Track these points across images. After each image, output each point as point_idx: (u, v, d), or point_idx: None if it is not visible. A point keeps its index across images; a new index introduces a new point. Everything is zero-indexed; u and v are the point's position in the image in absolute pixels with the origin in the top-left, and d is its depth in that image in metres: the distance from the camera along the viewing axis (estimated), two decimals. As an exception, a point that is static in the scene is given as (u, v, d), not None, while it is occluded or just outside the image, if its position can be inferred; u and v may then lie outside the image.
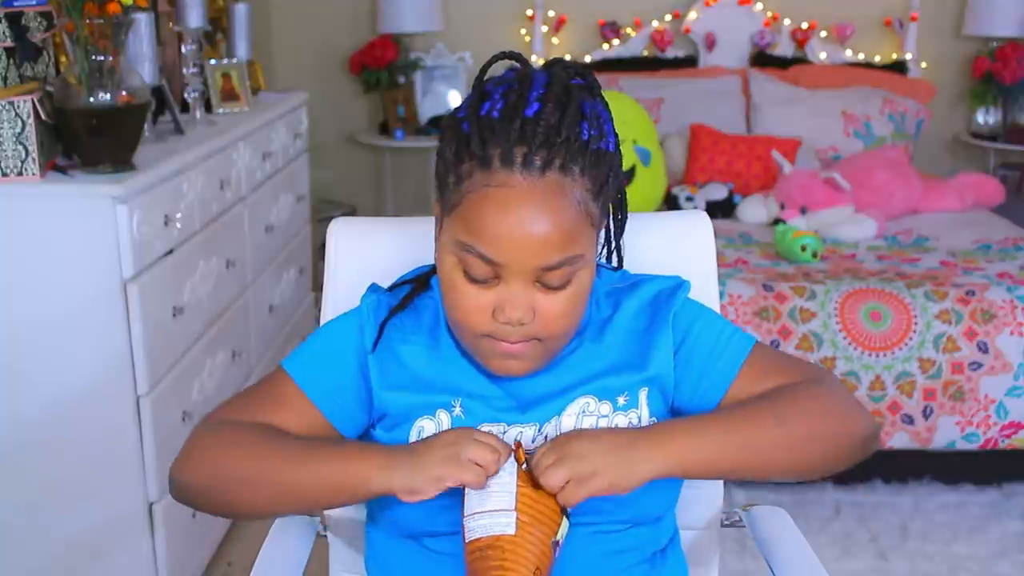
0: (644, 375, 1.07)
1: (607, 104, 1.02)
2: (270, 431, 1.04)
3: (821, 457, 1.04)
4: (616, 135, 1.00)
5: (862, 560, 2.40)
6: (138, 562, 1.99)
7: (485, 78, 1.02)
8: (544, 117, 0.93)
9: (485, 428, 1.03)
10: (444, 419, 1.04)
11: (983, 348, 2.52)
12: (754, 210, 3.34)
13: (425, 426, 1.04)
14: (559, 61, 1.02)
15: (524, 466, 0.96)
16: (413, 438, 1.04)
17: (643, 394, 1.06)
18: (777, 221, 3.18)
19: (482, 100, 0.96)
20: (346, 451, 1.00)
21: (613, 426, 1.04)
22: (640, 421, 1.05)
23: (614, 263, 1.14)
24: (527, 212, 0.92)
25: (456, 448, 0.93)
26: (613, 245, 1.12)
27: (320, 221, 3.95)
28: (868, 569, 2.37)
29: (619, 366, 1.07)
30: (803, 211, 3.21)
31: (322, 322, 1.28)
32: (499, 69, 1.03)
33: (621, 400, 1.05)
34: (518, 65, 1.02)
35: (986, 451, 2.62)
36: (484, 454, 0.93)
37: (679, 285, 1.12)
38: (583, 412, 1.04)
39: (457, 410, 1.04)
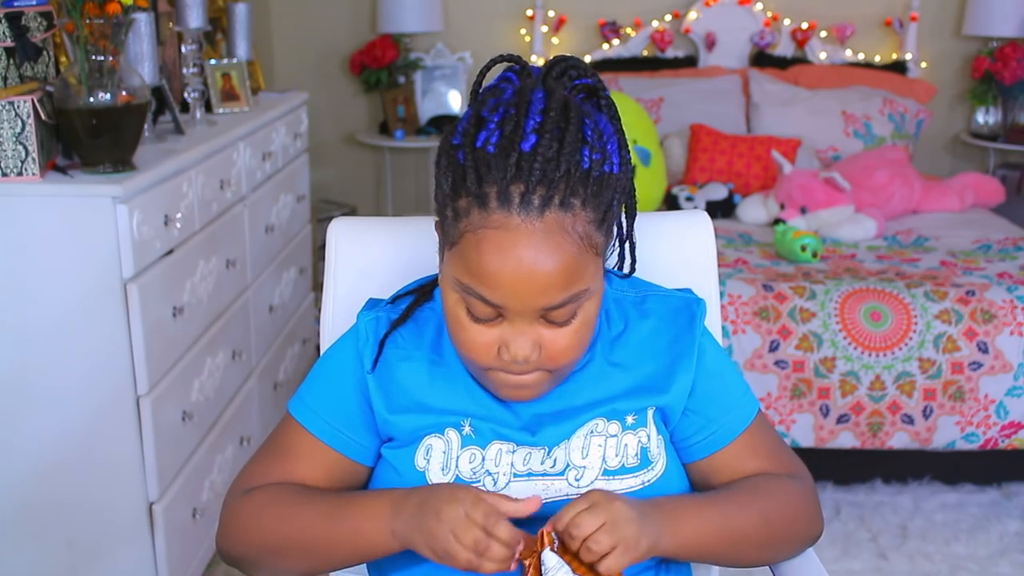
0: (657, 400, 1.06)
1: (613, 106, 0.99)
2: (296, 496, 1.03)
3: (783, 554, 1.09)
4: (622, 146, 0.96)
5: (862, 560, 2.40)
6: (138, 562, 1.99)
7: (484, 84, 1.00)
8: (541, 151, 0.88)
9: (495, 445, 1.02)
10: (453, 437, 1.03)
11: (983, 348, 2.52)
12: (754, 210, 3.34)
13: (433, 444, 1.03)
14: (561, 62, 0.98)
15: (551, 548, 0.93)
16: (420, 456, 1.03)
17: (651, 413, 1.05)
18: (777, 221, 3.19)
19: (478, 128, 0.91)
20: (361, 519, 0.98)
21: (623, 445, 1.03)
22: (649, 440, 1.04)
23: (626, 269, 1.10)
24: (527, 255, 0.89)
25: (470, 535, 0.89)
26: (625, 252, 1.08)
27: (320, 221, 3.95)
28: (868, 569, 2.37)
29: (632, 390, 1.06)
30: (803, 211, 3.21)
31: (322, 323, 1.28)
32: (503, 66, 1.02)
33: (630, 419, 1.04)
34: (517, 66, 0.99)
35: (986, 451, 2.62)
36: (499, 552, 0.90)
37: (697, 306, 1.10)
38: (592, 432, 1.03)
39: (467, 429, 1.03)
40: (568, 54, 1.12)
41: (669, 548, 0.97)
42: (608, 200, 0.93)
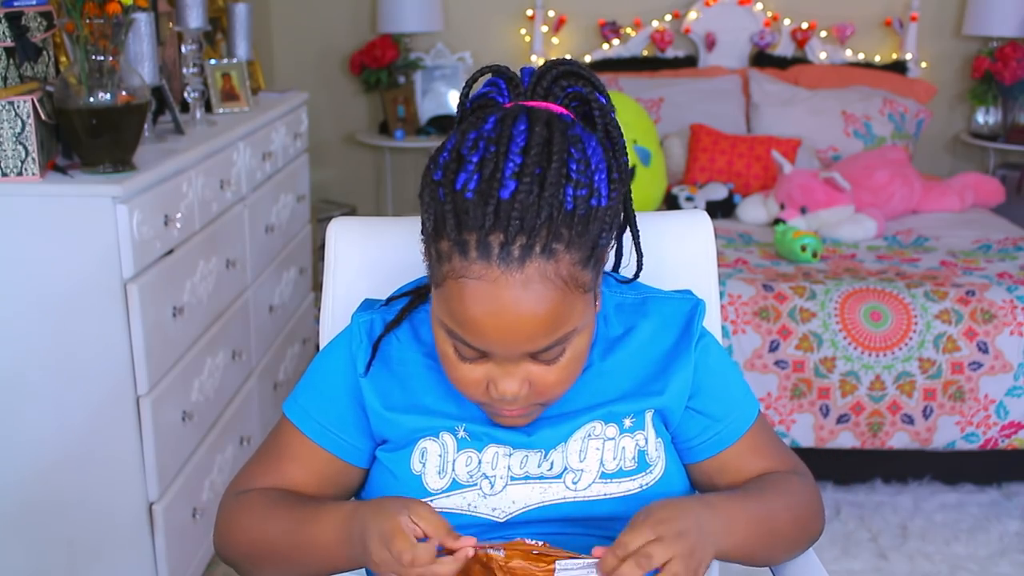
0: (654, 403, 1.05)
1: (607, 116, 0.96)
2: (276, 502, 1.03)
3: (798, 551, 1.10)
4: (612, 170, 0.93)
5: (862, 560, 2.40)
6: (138, 562, 1.99)
7: (472, 95, 0.99)
8: (520, 198, 0.85)
9: (492, 448, 1.02)
10: (448, 441, 1.03)
11: (983, 348, 2.52)
12: (754, 210, 3.34)
13: (428, 447, 1.03)
14: (552, 69, 0.96)
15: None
16: (416, 459, 1.03)
17: (649, 415, 1.05)
18: (777, 221, 3.19)
19: (458, 167, 0.88)
20: (324, 526, 0.98)
21: (620, 448, 1.03)
22: (647, 443, 1.04)
23: (630, 274, 1.10)
24: (509, 305, 0.87)
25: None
26: (623, 251, 1.08)
27: (320, 221, 3.95)
28: (868, 569, 2.37)
29: (630, 393, 1.05)
30: (803, 211, 3.21)
31: (321, 323, 1.28)
32: (505, 59, 1.00)
33: (627, 422, 1.04)
34: (506, 73, 0.98)
35: (986, 451, 2.62)
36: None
37: (696, 308, 1.09)
38: (589, 436, 1.03)
39: (462, 433, 1.03)
40: (563, 57, 1.10)
41: (721, 551, 0.97)
42: (595, 235, 0.90)
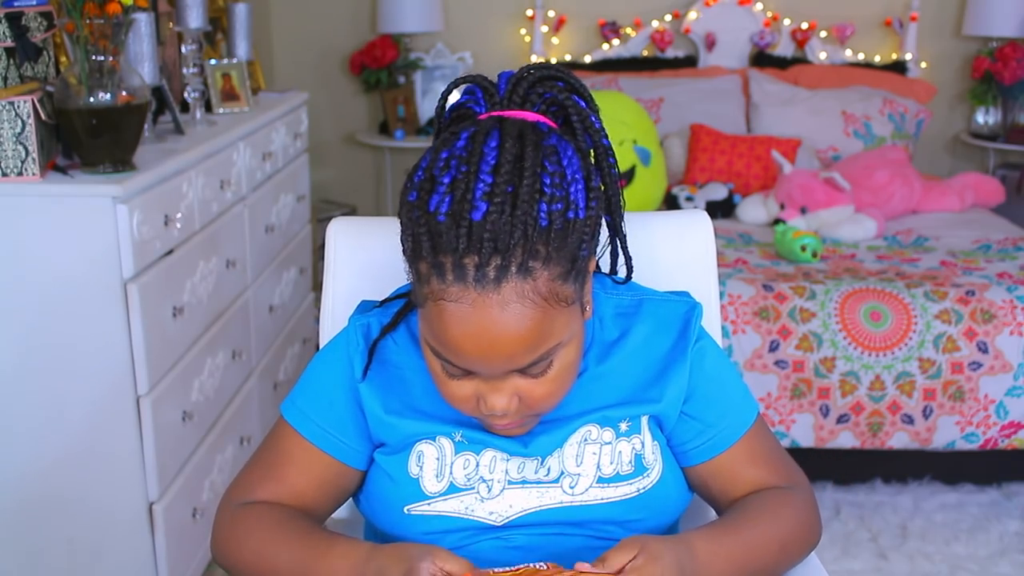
0: (650, 408, 1.05)
1: (586, 120, 0.96)
2: (279, 527, 1.02)
3: (788, 570, 1.08)
4: (590, 178, 0.91)
5: (862, 560, 2.40)
6: (138, 562, 1.99)
7: (451, 104, 0.99)
8: (492, 219, 0.84)
9: (489, 452, 1.02)
10: (446, 445, 1.02)
11: (983, 348, 2.52)
12: (754, 210, 3.35)
13: (424, 450, 1.02)
14: (528, 76, 0.95)
15: None
16: (413, 462, 1.02)
17: (645, 420, 1.04)
18: (777, 221, 3.19)
19: (431, 188, 0.87)
20: (335, 560, 0.97)
21: (617, 452, 1.02)
22: (643, 447, 1.03)
23: (622, 274, 1.09)
24: (488, 327, 0.86)
25: None
26: (620, 257, 1.07)
27: (320, 221, 3.95)
28: (868, 569, 2.37)
29: (625, 398, 1.04)
30: (803, 211, 3.21)
31: (321, 323, 1.28)
32: (505, 59, 1.00)
33: (623, 426, 1.03)
34: (481, 82, 0.98)
35: (986, 451, 2.62)
36: None
37: (692, 311, 1.08)
38: (585, 440, 1.02)
39: (459, 437, 1.02)
40: (539, 61, 1.10)
41: None
42: (574, 248, 0.88)
